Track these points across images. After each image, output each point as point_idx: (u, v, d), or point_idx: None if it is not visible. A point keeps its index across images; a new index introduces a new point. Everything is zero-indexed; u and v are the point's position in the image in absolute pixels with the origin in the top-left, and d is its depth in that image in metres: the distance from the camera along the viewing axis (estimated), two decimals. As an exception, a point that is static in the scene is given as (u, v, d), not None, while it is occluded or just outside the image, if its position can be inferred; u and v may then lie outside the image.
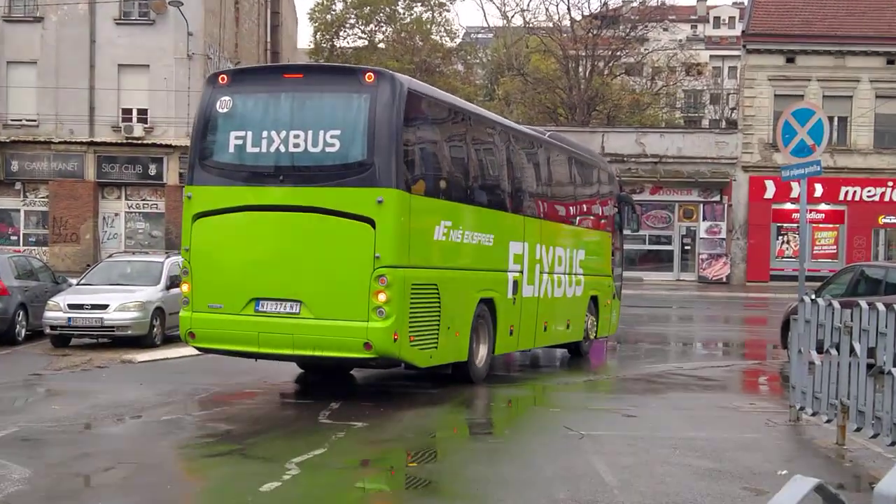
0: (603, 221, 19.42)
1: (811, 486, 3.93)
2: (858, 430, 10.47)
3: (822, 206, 40.90)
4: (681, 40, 66.38)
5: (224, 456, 9.75)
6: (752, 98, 41.26)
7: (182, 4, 39.58)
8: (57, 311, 18.15)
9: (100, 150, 41.14)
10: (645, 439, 10.86)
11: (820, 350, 11.38)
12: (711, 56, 78.38)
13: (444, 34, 55.91)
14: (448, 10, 69.60)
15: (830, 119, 33.88)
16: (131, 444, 10.39)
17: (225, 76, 12.39)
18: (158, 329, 18.65)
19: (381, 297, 11.38)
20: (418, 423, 11.95)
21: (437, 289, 12.47)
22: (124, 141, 40.92)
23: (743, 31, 43.08)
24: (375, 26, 54.56)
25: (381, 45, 54.07)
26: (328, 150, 11.66)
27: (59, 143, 41.10)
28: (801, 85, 40.56)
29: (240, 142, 11.99)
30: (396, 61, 50.54)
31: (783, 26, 41.21)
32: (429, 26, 54.20)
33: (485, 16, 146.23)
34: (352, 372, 15.26)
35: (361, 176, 11.52)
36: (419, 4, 54.81)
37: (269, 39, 50.76)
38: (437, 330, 12.54)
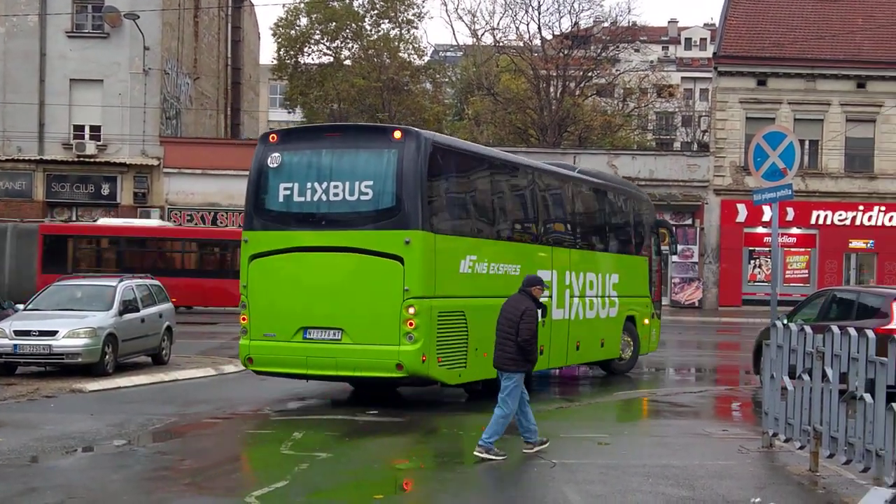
0: (638, 246, 20.70)
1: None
2: (831, 456, 10.42)
3: (794, 230, 40.98)
4: (652, 62, 66.66)
5: (180, 490, 9.43)
6: (724, 121, 41.37)
7: (138, 17, 38.79)
8: (2, 337, 17.17)
9: (49, 168, 39.96)
10: (618, 467, 10.76)
11: (792, 375, 11.28)
12: (683, 78, 78.73)
13: (413, 52, 55.55)
14: (416, 28, 69.49)
15: (802, 142, 33.95)
16: (81, 478, 10.02)
17: (275, 135, 14.39)
18: (111, 357, 17.77)
19: (411, 325, 13.16)
20: (385, 453, 11.73)
21: (465, 315, 14.10)
22: (76, 159, 39.77)
23: (714, 54, 43.23)
24: (341, 43, 54.12)
25: (348, 62, 53.70)
26: (363, 198, 13.53)
27: (6, 160, 39.76)
28: (772, 108, 40.71)
29: (288, 192, 13.91)
30: (363, 79, 50.20)
31: (754, 49, 41.40)
32: (396, 44, 53.86)
33: (454, 34, 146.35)
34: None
35: (391, 220, 13.37)
36: (387, 21, 54.49)
37: (229, 55, 50.39)
38: (466, 351, 14.15)
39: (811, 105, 40.61)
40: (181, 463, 10.70)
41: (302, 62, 54.71)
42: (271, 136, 14.42)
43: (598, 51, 52.38)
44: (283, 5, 64.23)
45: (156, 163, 40.05)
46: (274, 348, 13.88)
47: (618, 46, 53.37)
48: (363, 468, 10.67)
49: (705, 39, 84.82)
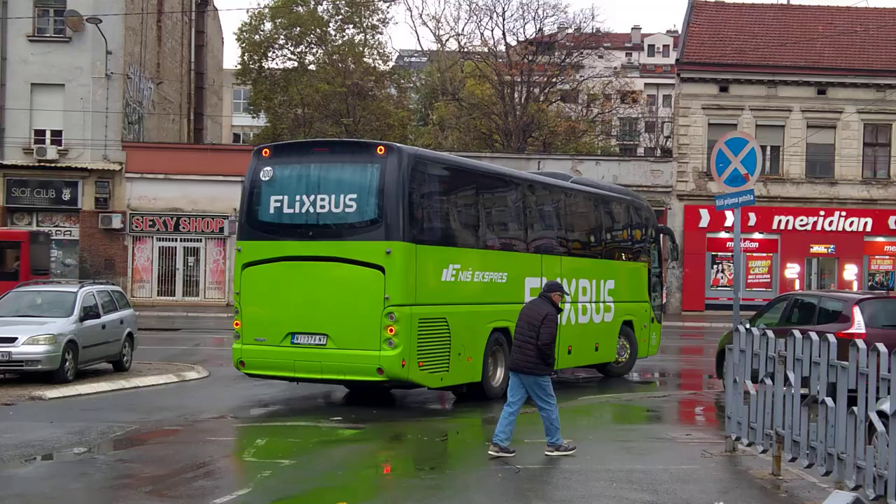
0: (636, 253, 21.23)
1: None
2: (793, 459, 10.50)
3: (756, 235, 41.27)
4: (616, 68, 66.88)
5: (141, 498, 9.32)
6: (687, 126, 41.61)
7: (101, 22, 38.30)
8: (-41, 345, 16.79)
9: (9, 173, 39.14)
10: (581, 472, 10.76)
11: (755, 380, 11.34)
12: (646, 84, 79.31)
13: (377, 57, 55.42)
14: (381, 33, 69.32)
15: (763, 148, 34.32)
16: (41, 487, 9.88)
17: (267, 150, 15.04)
18: (71, 363, 17.47)
19: (391, 331, 13.73)
20: (349, 460, 11.66)
21: (447, 322, 14.68)
22: (36, 164, 38.99)
23: (677, 60, 43.45)
24: (306, 47, 53.84)
25: (312, 67, 53.46)
26: (347, 210, 14.17)
27: (-35, 166, 38.90)
28: (734, 114, 41.00)
29: (278, 204, 14.55)
30: (327, 84, 49.99)
31: (716, 56, 41.68)
32: (361, 49, 53.70)
33: (418, 39, 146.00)
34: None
35: (374, 231, 14.00)
36: (351, 27, 54.26)
37: (193, 59, 49.95)
38: (448, 356, 14.74)
39: (772, 111, 40.94)
40: (142, 471, 10.58)
41: (266, 67, 54.42)
42: (264, 150, 15.04)
43: (563, 57, 52.57)
44: (247, 10, 64.08)
45: (118, 168, 39.66)
46: (264, 352, 14.51)
47: (581, 53, 53.60)
48: (327, 475, 10.61)
49: (668, 46, 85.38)
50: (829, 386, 9.79)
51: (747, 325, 11.94)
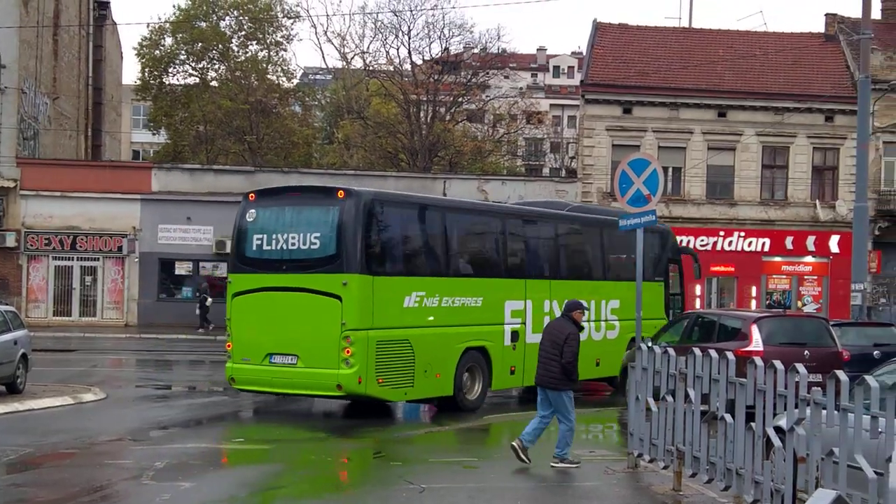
0: (647, 272, 21.99)
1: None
2: (694, 475, 10.64)
3: (658, 254, 41.87)
4: (521, 88, 67.57)
5: (32, 525, 9.00)
6: (591, 147, 42.11)
7: (-7, 35, 37.48)
8: None
9: None
10: (486, 490, 10.78)
11: (657, 397, 11.47)
12: (552, 105, 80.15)
13: (282, 74, 55.03)
14: (285, 50, 68.57)
15: (665, 169, 34.82)
16: (-74, 516, 9.50)
17: (253, 195, 16.99)
18: None
19: (348, 352, 15.37)
20: (250, 481, 11.46)
21: (410, 343, 16.29)
22: (-77, 182, 37.81)
23: (581, 81, 44.01)
24: (208, 63, 53.14)
25: (214, 84, 52.78)
26: (313, 247, 15.98)
27: None
28: (637, 135, 41.61)
29: (259, 241, 16.46)
30: (230, 100, 49.45)
31: (620, 77, 42.30)
32: (265, 66, 53.24)
33: (323, 57, 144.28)
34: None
35: (333, 265, 15.69)
36: (255, 43, 53.76)
37: (91, 74, 48.87)
38: (412, 374, 16.34)
39: (674, 133, 41.70)
40: (37, 495, 10.25)
41: (167, 83, 53.60)
42: (250, 195, 17.03)
43: (469, 77, 52.85)
44: (148, 24, 63.04)
45: (12, 185, 38.57)
46: (249, 370, 16.33)
47: (487, 73, 53.91)
48: (226, 498, 10.39)
49: (573, 67, 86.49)
50: (728, 402, 9.94)
51: (649, 343, 12.10)
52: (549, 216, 21.08)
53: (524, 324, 18.87)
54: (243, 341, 16.46)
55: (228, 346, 16.76)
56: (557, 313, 18.68)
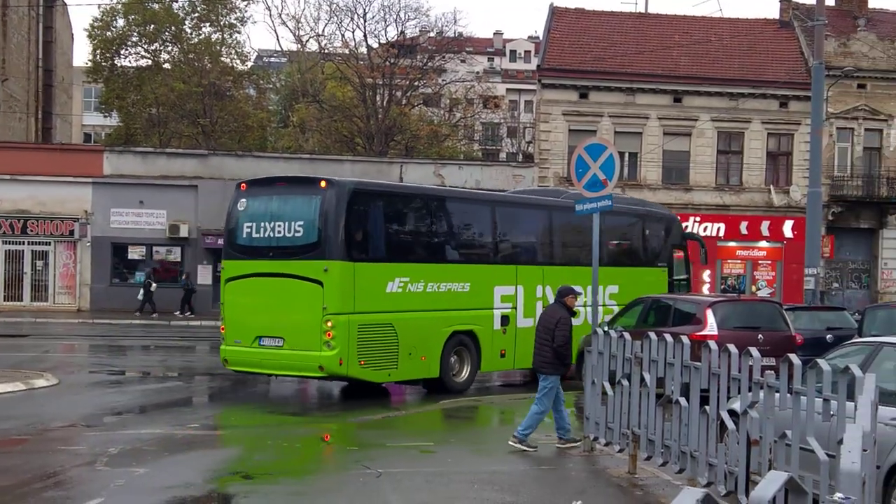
0: (643, 258, 23.51)
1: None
2: (649, 458, 10.75)
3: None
4: (478, 73, 67.54)
5: (-17, 513, 8.88)
6: (548, 132, 42.20)
7: (-59, 16, 36.88)
8: None
9: None
10: (444, 475, 10.81)
11: (612, 381, 11.54)
12: (508, 89, 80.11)
13: (236, 57, 54.48)
14: (239, 32, 67.97)
15: (621, 154, 34.96)
16: None
17: (244, 184, 17.73)
18: None
19: (329, 335, 16.03)
20: (205, 467, 11.37)
21: (394, 326, 16.94)
22: None
23: (538, 66, 44.03)
24: (160, 45, 52.47)
25: (167, 66, 52.17)
26: (296, 234, 16.66)
27: None
28: (593, 120, 41.73)
29: (249, 229, 17.16)
30: (183, 83, 48.93)
31: (577, 63, 42.39)
32: (218, 48, 52.69)
33: (278, 39, 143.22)
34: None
35: (315, 252, 16.36)
36: (208, 25, 53.15)
37: (41, 56, 48.15)
38: (396, 356, 16.99)
39: (630, 118, 41.90)
40: (-15, 484, 10.08)
41: (119, 65, 52.91)
42: (242, 185, 17.79)
43: (425, 60, 52.71)
44: (99, 5, 62.12)
45: (-39, 167, 37.99)
46: (240, 352, 17.06)
47: (444, 56, 53.83)
48: (181, 483, 10.31)
49: (530, 52, 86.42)
50: (683, 386, 10.04)
51: (605, 328, 12.18)
52: (536, 203, 21.56)
53: (515, 308, 19.42)
54: (235, 325, 17.21)
55: (222, 329, 17.64)
56: (551, 299, 19.08)
